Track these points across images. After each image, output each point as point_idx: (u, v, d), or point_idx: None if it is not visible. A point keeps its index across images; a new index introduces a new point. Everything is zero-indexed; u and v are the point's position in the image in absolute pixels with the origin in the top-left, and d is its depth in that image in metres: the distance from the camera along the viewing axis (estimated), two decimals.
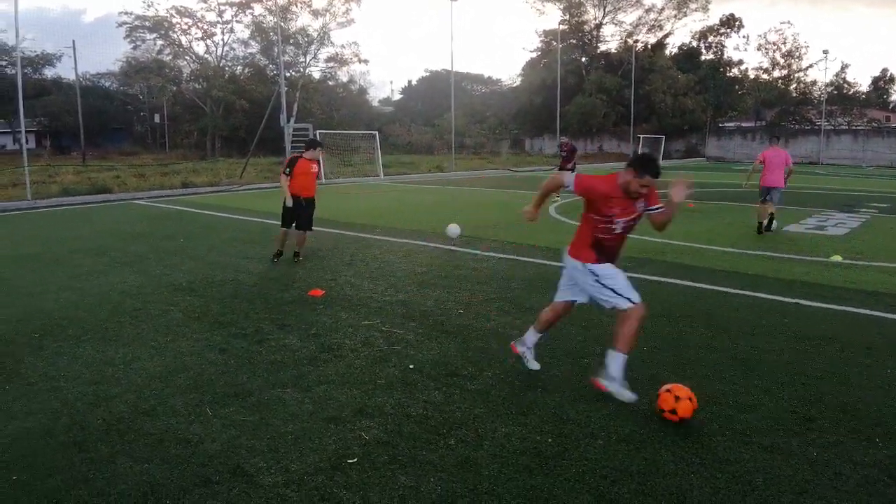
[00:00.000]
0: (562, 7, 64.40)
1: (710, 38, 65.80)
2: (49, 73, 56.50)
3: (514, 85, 74.10)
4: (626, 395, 4.52)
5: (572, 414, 4.54)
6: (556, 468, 3.82)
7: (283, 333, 6.39)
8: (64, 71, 57.80)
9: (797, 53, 62.72)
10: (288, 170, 9.69)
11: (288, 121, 30.79)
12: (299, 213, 9.82)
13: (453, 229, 11.43)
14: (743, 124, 63.24)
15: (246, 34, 56.83)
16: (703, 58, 65.60)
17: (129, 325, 6.71)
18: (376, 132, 34.98)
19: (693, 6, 62.94)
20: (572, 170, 19.43)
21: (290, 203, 9.65)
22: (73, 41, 49.27)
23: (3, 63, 51.44)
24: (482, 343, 6.08)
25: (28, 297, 7.93)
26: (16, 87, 21.44)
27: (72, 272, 9.29)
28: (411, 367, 5.48)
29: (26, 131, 26.67)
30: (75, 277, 8.95)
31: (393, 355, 5.76)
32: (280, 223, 10.00)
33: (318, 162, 10.22)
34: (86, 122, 48.53)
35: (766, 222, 12.80)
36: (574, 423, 4.40)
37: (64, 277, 8.96)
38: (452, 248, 11.02)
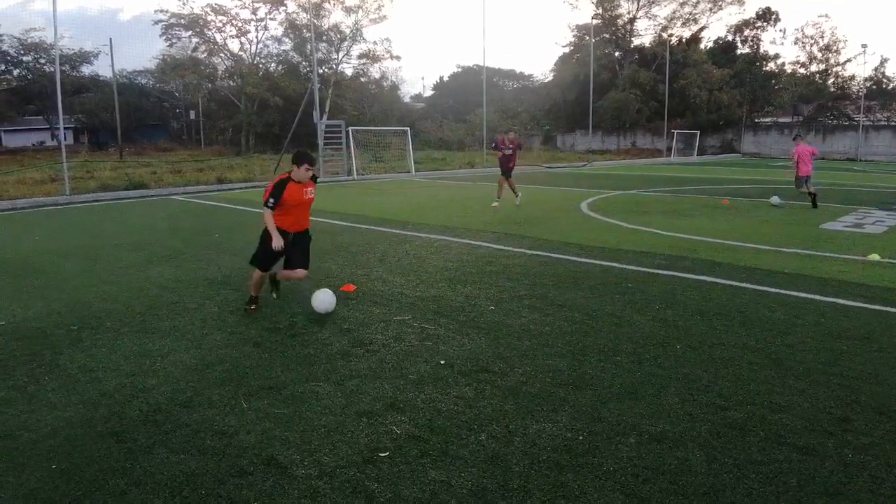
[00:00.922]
0: (595, 1, 63.90)
1: (746, 32, 64.76)
2: (87, 70, 57.59)
3: (547, 80, 73.79)
4: None
5: (604, 412, 4.52)
6: (587, 465, 3.81)
7: (316, 328, 6.45)
8: (101, 68, 58.74)
9: (835, 47, 61.50)
10: (272, 201, 6.64)
11: (321, 117, 30.99)
12: (289, 251, 6.90)
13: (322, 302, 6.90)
14: (780, 119, 62.21)
15: (279, 31, 57.50)
16: (738, 52, 64.61)
17: (166, 318, 6.83)
18: (408, 128, 35.03)
19: None
20: (509, 172, 16.96)
21: (277, 245, 6.65)
22: (111, 39, 50.13)
23: (43, 61, 52.51)
24: (513, 339, 6.08)
25: (67, 290, 8.10)
26: (54, 85, 21.86)
27: (110, 266, 9.47)
28: (442, 362, 5.50)
29: (64, 128, 27.20)
30: (113, 271, 9.12)
31: (424, 350, 5.79)
32: (255, 263, 7.04)
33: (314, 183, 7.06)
34: (122, 119, 49.37)
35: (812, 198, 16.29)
36: (605, 420, 4.39)
37: (102, 271, 9.14)
38: (482, 243, 11.03)
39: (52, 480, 3.70)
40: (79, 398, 4.81)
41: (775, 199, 17.08)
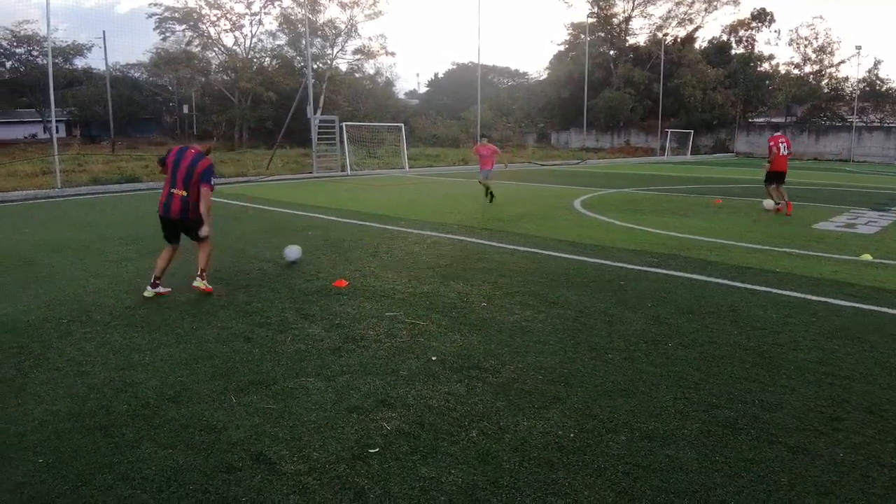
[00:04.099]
0: (590, 0, 63.92)
1: (741, 32, 64.99)
2: (80, 63, 57.24)
3: (541, 78, 73.80)
4: None
5: (595, 409, 4.51)
6: (578, 463, 3.80)
7: (307, 323, 6.42)
8: (94, 61, 58.60)
9: (829, 49, 61.73)
10: None
11: (315, 112, 30.91)
12: None
13: (291, 252, 9.17)
14: (773, 119, 62.38)
15: (274, 26, 57.22)
16: (733, 52, 64.80)
17: (156, 312, 6.78)
18: (402, 124, 34.94)
19: None
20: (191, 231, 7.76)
21: None
22: (104, 32, 49.62)
23: (35, 53, 52.19)
24: (505, 336, 6.06)
25: (57, 283, 8.04)
26: (47, 77, 21.70)
27: (100, 259, 9.41)
28: (434, 358, 5.48)
29: (57, 121, 27.00)
30: (104, 265, 9.06)
31: (416, 347, 5.77)
32: None
33: None
34: (115, 112, 49.12)
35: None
36: (597, 418, 4.37)
37: (92, 264, 9.08)
38: (475, 239, 10.99)
39: (38, 475, 3.66)
40: (67, 392, 4.76)
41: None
